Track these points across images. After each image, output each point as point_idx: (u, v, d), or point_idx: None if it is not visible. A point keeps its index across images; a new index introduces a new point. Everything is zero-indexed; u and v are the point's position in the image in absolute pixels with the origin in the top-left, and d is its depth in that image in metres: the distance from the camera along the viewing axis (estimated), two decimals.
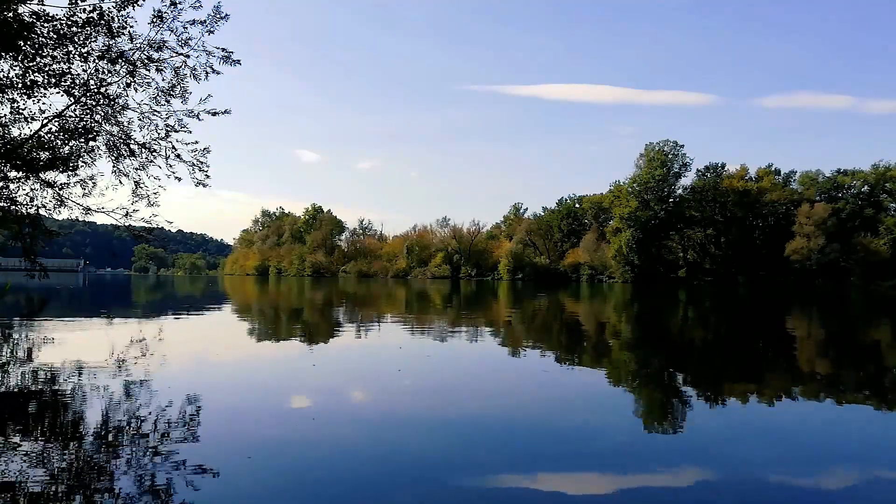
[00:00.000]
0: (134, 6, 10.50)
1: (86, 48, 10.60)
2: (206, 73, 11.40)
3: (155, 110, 11.66)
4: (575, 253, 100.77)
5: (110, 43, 10.74)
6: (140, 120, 11.75)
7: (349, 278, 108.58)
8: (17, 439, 4.89)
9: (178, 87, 11.53)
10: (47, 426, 5.38)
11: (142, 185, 12.10)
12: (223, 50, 11.34)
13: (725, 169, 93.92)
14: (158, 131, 11.80)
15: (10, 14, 9.79)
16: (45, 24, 10.09)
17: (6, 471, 4.14)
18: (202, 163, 12.04)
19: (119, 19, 10.47)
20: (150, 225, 12.50)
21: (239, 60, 11.48)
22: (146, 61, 11.14)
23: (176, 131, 11.82)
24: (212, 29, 11.03)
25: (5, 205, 11.68)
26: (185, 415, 5.74)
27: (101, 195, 12.17)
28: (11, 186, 11.66)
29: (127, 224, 12.33)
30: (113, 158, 11.99)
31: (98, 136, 11.70)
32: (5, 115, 10.99)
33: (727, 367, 9.90)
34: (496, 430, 5.56)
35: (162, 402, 6.16)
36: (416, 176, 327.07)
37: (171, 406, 6.03)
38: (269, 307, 24.99)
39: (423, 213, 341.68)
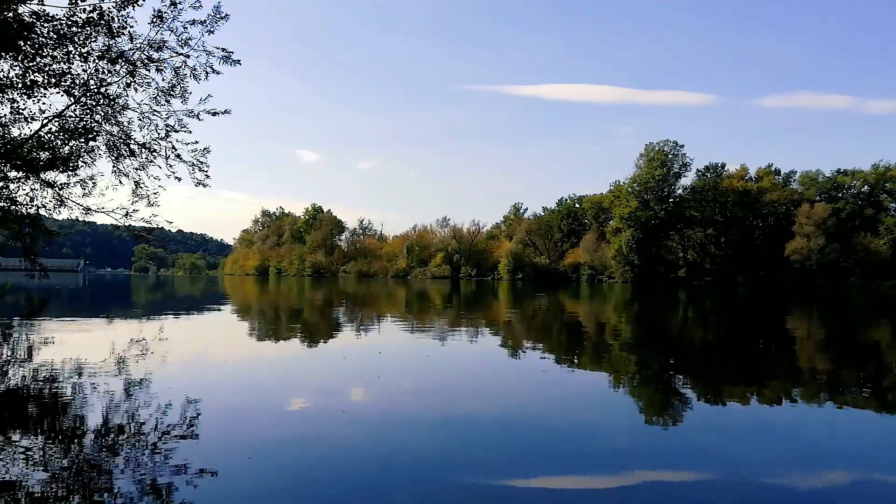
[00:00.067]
0: (134, 6, 10.52)
1: (86, 48, 10.61)
2: (206, 73, 11.45)
3: (155, 110, 11.69)
4: (575, 253, 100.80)
5: (110, 43, 10.76)
6: (140, 120, 11.80)
7: (349, 278, 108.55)
8: (17, 439, 4.89)
9: (178, 87, 11.56)
10: (47, 426, 5.38)
11: (142, 185, 12.14)
12: (223, 50, 11.39)
13: (725, 169, 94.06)
14: (158, 131, 11.84)
15: (10, 14, 9.79)
16: (45, 24, 10.11)
17: (6, 471, 4.14)
18: (202, 163, 12.08)
19: (119, 19, 10.50)
20: (150, 225, 12.53)
21: (239, 60, 11.52)
22: (146, 61, 11.16)
23: (176, 131, 11.85)
24: (212, 29, 11.07)
25: (5, 205, 11.69)
26: (185, 415, 5.74)
27: (101, 195, 12.22)
28: (11, 186, 11.69)
29: (127, 224, 12.35)
30: (113, 158, 12.02)
31: (98, 136, 11.72)
32: (5, 115, 11.02)
33: (727, 367, 9.89)
34: (496, 430, 5.56)
35: (162, 402, 6.16)
36: (416, 176, 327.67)
37: (171, 406, 6.03)
38: (269, 307, 24.99)
39: (423, 213, 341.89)
